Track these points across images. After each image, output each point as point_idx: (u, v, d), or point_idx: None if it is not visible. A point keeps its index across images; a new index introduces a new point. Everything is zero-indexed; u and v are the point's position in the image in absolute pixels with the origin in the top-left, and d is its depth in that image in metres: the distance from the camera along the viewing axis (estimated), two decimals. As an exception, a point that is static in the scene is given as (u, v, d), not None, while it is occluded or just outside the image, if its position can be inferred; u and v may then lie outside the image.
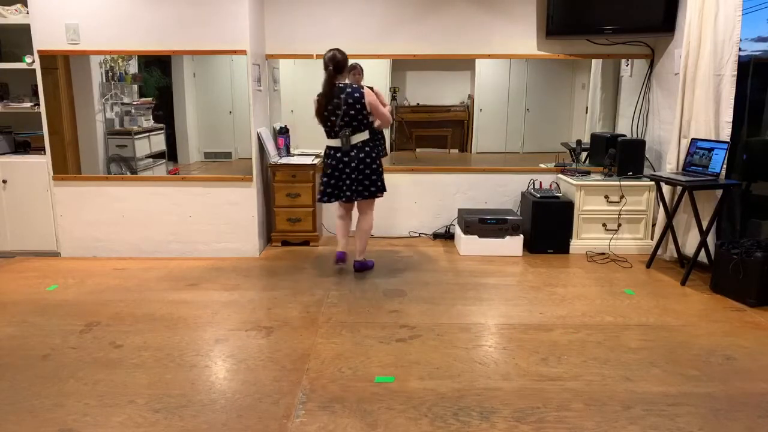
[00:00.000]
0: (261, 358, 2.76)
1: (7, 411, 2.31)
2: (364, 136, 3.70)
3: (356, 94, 3.60)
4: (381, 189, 3.81)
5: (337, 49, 3.63)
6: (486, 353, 2.81)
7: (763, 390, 2.48)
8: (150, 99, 4.93)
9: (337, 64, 3.59)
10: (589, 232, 4.53)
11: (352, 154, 3.68)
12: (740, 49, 3.75)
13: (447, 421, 2.23)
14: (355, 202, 4.00)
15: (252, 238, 4.45)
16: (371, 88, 4.09)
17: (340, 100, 3.59)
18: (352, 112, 3.60)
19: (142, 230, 4.42)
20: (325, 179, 3.77)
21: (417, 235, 5.04)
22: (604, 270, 4.11)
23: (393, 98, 5.83)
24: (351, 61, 4.92)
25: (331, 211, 4.90)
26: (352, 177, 3.71)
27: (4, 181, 4.33)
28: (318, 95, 3.67)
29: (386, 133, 5.76)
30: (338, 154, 3.70)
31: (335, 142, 3.70)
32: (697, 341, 2.95)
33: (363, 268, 4.01)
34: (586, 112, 5.48)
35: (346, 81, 3.77)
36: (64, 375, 2.59)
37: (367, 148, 3.72)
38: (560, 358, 2.75)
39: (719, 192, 3.79)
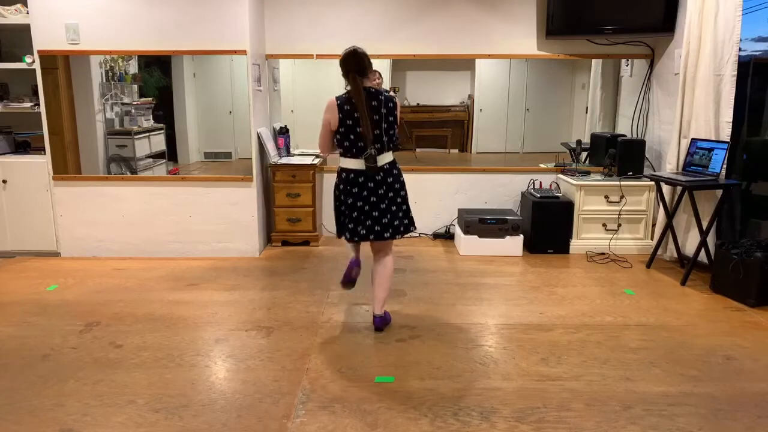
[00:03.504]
0: (261, 358, 2.76)
1: (7, 411, 2.31)
2: (390, 156, 2.91)
3: (390, 104, 2.86)
4: (413, 222, 3.04)
5: (356, 47, 2.83)
6: (486, 353, 2.81)
7: (763, 390, 2.48)
8: (150, 99, 4.93)
9: (359, 65, 2.79)
10: (589, 232, 4.53)
11: (379, 178, 2.86)
12: (740, 49, 3.75)
13: (447, 421, 2.23)
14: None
15: (252, 238, 4.45)
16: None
17: (374, 108, 2.81)
18: (385, 125, 2.84)
19: (142, 230, 4.42)
20: (346, 211, 2.93)
21: (417, 235, 5.04)
22: (604, 270, 4.11)
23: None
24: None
25: (331, 211, 4.89)
26: (381, 208, 2.88)
27: (4, 181, 4.33)
28: (339, 101, 2.82)
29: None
30: (361, 179, 2.87)
31: (357, 164, 2.84)
32: (697, 341, 2.95)
33: (385, 324, 3.09)
34: (586, 112, 5.48)
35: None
36: (64, 375, 2.59)
37: (395, 171, 2.93)
38: (560, 358, 2.75)
39: (719, 192, 3.79)
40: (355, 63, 2.79)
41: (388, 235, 2.91)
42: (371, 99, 2.81)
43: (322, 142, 2.92)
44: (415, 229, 3.10)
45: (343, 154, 2.89)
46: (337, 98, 2.83)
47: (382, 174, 2.87)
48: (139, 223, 4.40)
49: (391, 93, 3.07)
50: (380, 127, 2.82)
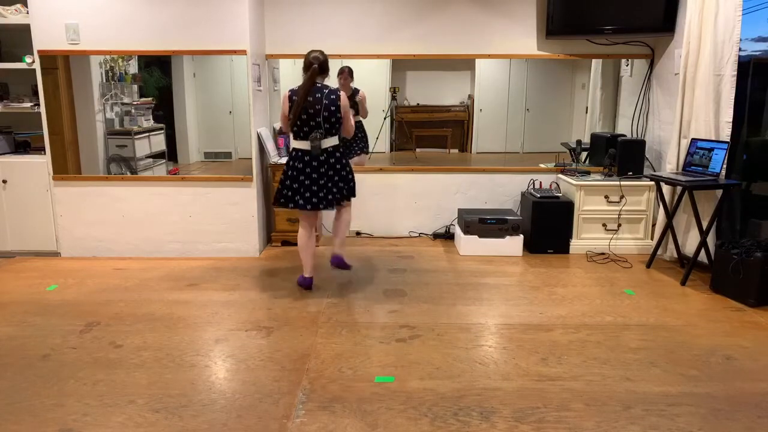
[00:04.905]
0: (261, 358, 2.76)
1: (7, 411, 2.31)
2: (335, 141, 3.48)
3: (332, 96, 3.42)
4: (350, 194, 3.62)
5: (320, 51, 3.48)
6: (486, 353, 2.81)
7: (763, 390, 2.48)
8: (150, 99, 4.93)
9: (321, 64, 3.41)
10: (589, 232, 4.53)
11: (322, 158, 3.43)
12: (740, 49, 3.75)
13: (447, 421, 2.23)
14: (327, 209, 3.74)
15: (252, 238, 4.45)
16: (356, 92, 4.20)
17: (316, 100, 3.38)
18: (326, 113, 3.38)
19: (142, 230, 4.42)
20: (287, 182, 3.47)
21: (417, 235, 5.04)
22: (604, 270, 4.11)
23: (393, 98, 5.83)
24: (347, 62, 4.97)
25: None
26: (320, 183, 3.45)
27: (4, 181, 4.33)
28: (291, 92, 3.43)
29: (386, 132, 5.78)
30: (306, 158, 3.43)
31: (304, 145, 3.43)
32: (697, 341, 2.95)
33: (341, 264, 3.80)
34: (586, 112, 5.48)
35: (325, 83, 3.52)
36: (64, 375, 2.59)
37: (338, 154, 3.51)
38: (560, 358, 2.75)
39: (719, 192, 3.79)
40: (318, 60, 3.40)
41: (322, 206, 3.49)
42: (317, 92, 3.38)
43: (282, 123, 3.54)
44: (350, 200, 3.66)
45: (294, 137, 3.47)
46: (290, 91, 3.45)
47: (325, 155, 3.44)
48: (139, 223, 4.40)
49: (339, 89, 3.52)
50: (320, 115, 3.37)
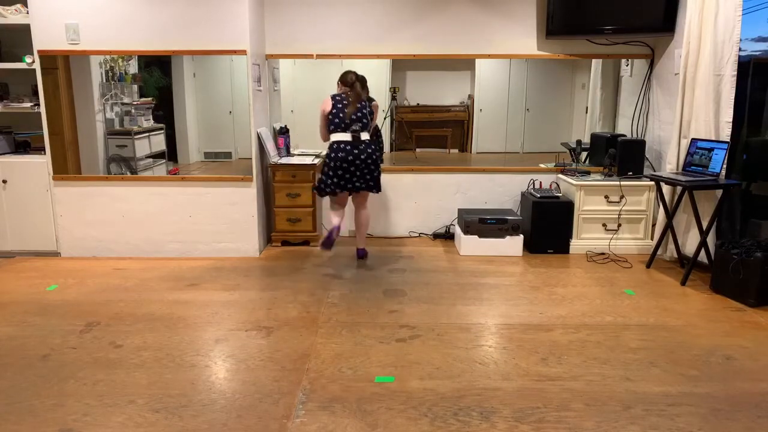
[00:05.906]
0: (261, 358, 2.76)
1: (7, 411, 2.31)
2: (368, 135, 4.04)
3: (368, 103, 4.13)
4: (379, 185, 4.14)
5: (353, 71, 4.10)
6: (486, 353, 2.81)
7: (763, 390, 2.48)
8: (150, 99, 4.93)
9: (363, 82, 4.10)
10: (589, 232, 4.53)
11: (361, 147, 3.97)
12: (740, 49, 3.75)
13: (447, 421, 2.23)
14: (349, 199, 4.29)
15: (252, 238, 4.45)
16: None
17: (360, 106, 4.06)
18: (360, 114, 4.03)
19: (142, 230, 4.42)
20: (330, 172, 3.99)
21: (417, 235, 5.04)
22: (604, 270, 4.11)
23: (393, 98, 5.83)
24: (347, 62, 4.97)
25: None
26: (361, 168, 3.99)
27: (4, 181, 4.33)
28: (333, 96, 4.04)
29: (386, 132, 5.78)
30: (348, 147, 3.95)
31: (345, 136, 3.96)
32: (697, 341, 2.95)
33: (365, 255, 4.39)
34: (586, 112, 5.48)
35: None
36: (64, 375, 2.60)
37: (372, 146, 4.05)
38: (560, 358, 2.75)
39: (719, 192, 3.79)
40: (360, 81, 4.08)
41: (364, 188, 4.07)
42: (360, 100, 4.05)
43: (321, 131, 4.13)
44: (378, 191, 4.17)
45: (334, 131, 4.00)
46: (332, 95, 4.05)
47: (363, 145, 3.99)
48: (139, 223, 4.40)
49: (372, 99, 4.26)
50: (362, 112, 4.03)
